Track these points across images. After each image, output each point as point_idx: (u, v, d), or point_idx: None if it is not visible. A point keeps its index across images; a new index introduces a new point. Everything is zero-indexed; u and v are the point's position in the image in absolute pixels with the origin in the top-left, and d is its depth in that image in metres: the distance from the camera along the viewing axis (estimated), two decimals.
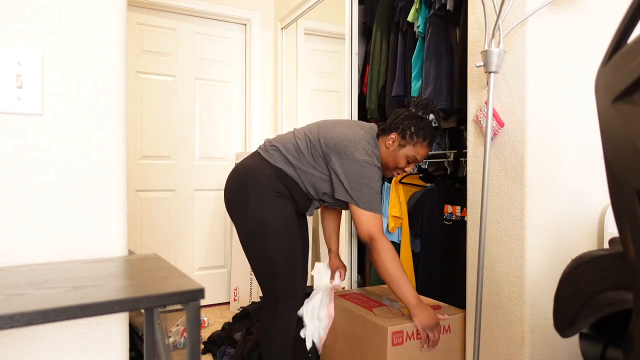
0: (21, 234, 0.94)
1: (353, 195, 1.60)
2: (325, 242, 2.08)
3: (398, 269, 1.59)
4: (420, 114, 1.66)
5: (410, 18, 2.25)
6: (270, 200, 1.63)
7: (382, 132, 1.71)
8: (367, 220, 1.61)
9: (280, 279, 1.65)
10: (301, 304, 1.79)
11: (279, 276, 1.64)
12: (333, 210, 2.05)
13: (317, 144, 1.68)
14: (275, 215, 1.63)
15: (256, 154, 1.75)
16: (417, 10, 2.21)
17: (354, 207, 1.62)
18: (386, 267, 1.59)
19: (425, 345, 1.62)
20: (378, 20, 2.51)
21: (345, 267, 2.06)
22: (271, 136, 3.55)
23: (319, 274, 2.12)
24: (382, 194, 1.65)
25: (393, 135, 1.67)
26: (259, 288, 3.09)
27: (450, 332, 1.70)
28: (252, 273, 2.87)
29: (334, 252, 2.06)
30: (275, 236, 1.62)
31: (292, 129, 1.82)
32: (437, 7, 2.08)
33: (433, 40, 2.12)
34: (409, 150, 1.67)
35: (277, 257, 1.63)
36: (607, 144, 0.67)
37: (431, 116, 1.67)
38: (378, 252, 1.60)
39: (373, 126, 1.75)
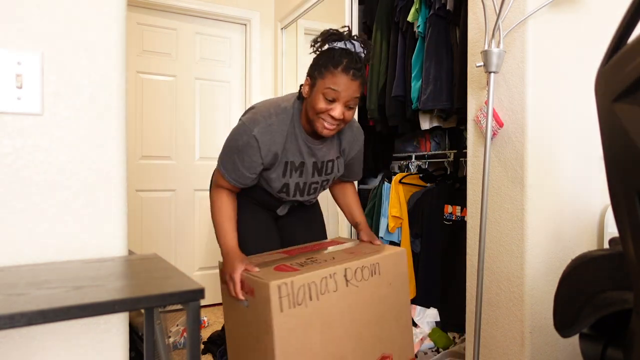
0: (21, 234, 0.94)
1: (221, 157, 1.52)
2: (347, 218, 1.82)
3: (217, 217, 1.48)
4: (324, 47, 1.40)
5: (410, 18, 2.25)
6: (241, 206, 1.60)
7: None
8: (218, 177, 1.51)
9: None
10: None
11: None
12: (340, 184, 1.81)
13: None
14: (242, 218, 1.58)
15: None
16: (417, 10, 2.21)
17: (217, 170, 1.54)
18: (212, 216, 1.51)
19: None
20: (378, 20, 2.51)
21: (379, 240, 1.73)
22: None
23: None
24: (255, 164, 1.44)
25: (306, 81, 1.43)
26: None
27: (253, 296, 1.28)
28: None
29: (361, 226, 1.73)
30: (241, 225, 1.56)
31: None
32: (437, 7, 2.08)
33: (433, 40, 2.12)
34: (320, 85, 1.36)
35: (244, 240, 1.56)
36: (607, 144, 0.67)
37: (338, 44, 1.38)
38: (211, 202, 1.52)
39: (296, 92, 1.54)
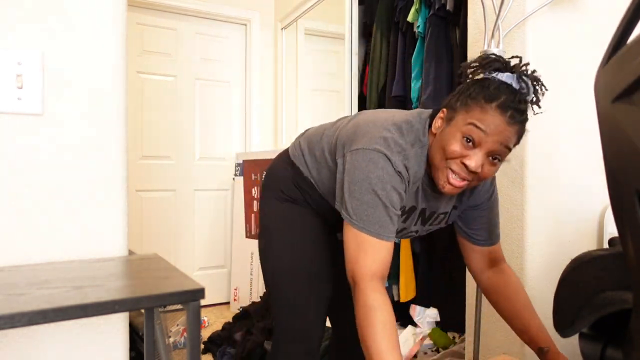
0: (21, 234, 0.94)
1: (345, 202, 1.00)
2: (524, 338, 1.20)
3: (377, 344, 0.90)
4: (483, 75, 0.99)
5: (410, 18, 2.25)
6: (276, 204, 1.24)
7: (434, 116, 1.06)
8: (355, 245, 0.98)
9: (284, 309, 1.17)
10: (317, 349, 1.18)
11: (283, 305, 1.17)
12: (496, 270, 1.22)
13: (338, 135, 1.13)
14: (279, 221, 1.22)
15: (287, 148, 1.32)
16: (417, 11, 2.21)
17: (345, 224, 1.02)
18: (366, 338, 0.92)
19: None
20: (378, 20, 2.51)
21: None
22: (270, 137, 3.55)
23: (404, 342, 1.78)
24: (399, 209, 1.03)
25: (442, 113, 1.03)
26: (259, 288, 3.09)
27: None
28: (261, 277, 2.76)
29: (552, 354, 1.15)
30: (277, 249, 1.19)
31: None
32: (437, 7, 2.08)
33: (433, 40, 2.12)
34: (460, 121, 0.97)
35: (280, 279, 1.18)
36: (607, 144, 0.67)
37: (505, 75, 0.97)
38: (359, 306, 0.95)
39: (428, 111, 1.10)
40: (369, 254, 0.97)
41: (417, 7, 2.21)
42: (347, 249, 1.00)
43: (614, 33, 0.65)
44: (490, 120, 0.94)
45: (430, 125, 1.05)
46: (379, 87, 2.48)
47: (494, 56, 1.00)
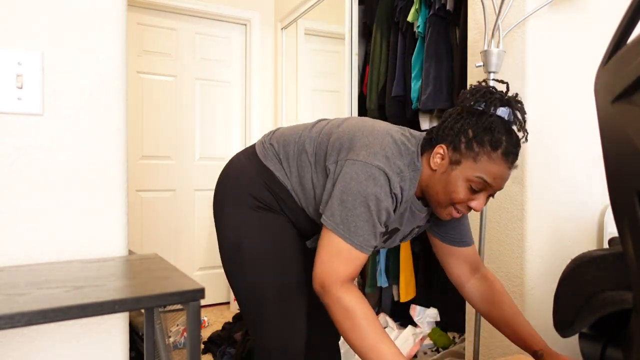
0: (21, 234, 0.94)
1: (333, 208, 1.00)
2: (518, 343, 1.18)
3: (364, 339, 0.95)
4: (481, 107, 1.01)
5: (410, 18, 2.25)
6: (247, 213, 1.13)
7: (427, 144, 1.07)
8: (333, 252, 0.99)
9: (265, 325, 1.11)
10: None
11: (264, 321, 1.11)
12: (490, 287, 1.22)
13: (327, 140, 1.10)
14: (255, 234, 1.12)
15: (251, 147, 1.24)
16: (417, 11, 2.21)
17: (325, 229, 1.02)
18: (346, 336, 0.97)
19: None
20: (378, 20, 2.51)
21: None
22: None
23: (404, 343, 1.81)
24: (385, 228, 1.06)
25: (441, 149, 1.03)
26: None
27: None
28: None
29: (547, 355, 1.12)
30: (254, 263, 1.11)
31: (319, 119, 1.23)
32: (437, 7, 2.08)
33: (433, 40, 2.12)
34: (468, 169, 1.00)
35: (261, 293, 1.10)
36: (606, 144, 0.67)
37: (501, 110, 1.00)
38: (331, 310, 0.99)
39: (421, 135, 1.12)
40: (344, 262, 0.99)
41: (417, 7, 2.21)
42: (320, 254, 1.00)
43: (614, 33, 0.65)
44: (496, 171, 0.99)
45: (421, 149, 1.08)
46: (379, 87, 2.48)
47: (492, 89, 1.02)
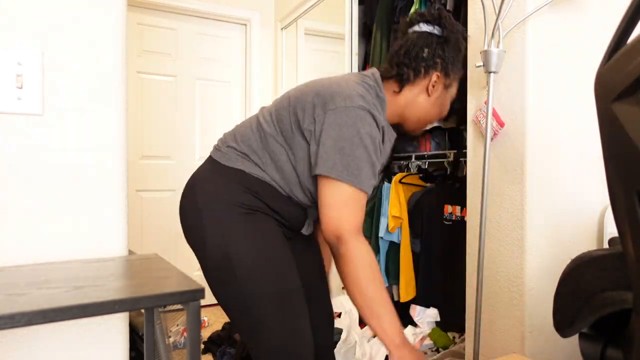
0: (21, 234, 0.94)
1: (333, 160, 0.99)
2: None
3: (377, 290, 0.98)
4: (436, 32, 1.13)
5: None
6: (230, 222, 1.06)
7: (400, 77, 1.13)
8: (342, 201, 0.99)
9: (265, 339, 1.05)
10: None
11: (265, 331, 1.04)
12: None
13: (287, 110, 1.09)
14: (243, 242, 1.05)
15: (208, 158, 1.18)
16: (417, 11, 2.21)
17: (322, 180, 1.02)
18: (360, 285, 0.98)
19: None
20: (378, 20, 2.51)
21: None
22: None
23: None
24: (379, 175, 1.11)
25: (435, 76, 1.13)
26: None
27: None
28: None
29: None
30: (247, 273, 1.03)
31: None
32: (436, 7, 2.08)
33: None
34: (454, 89, 1.20)
35: (260, 302, 1.04)
36: (606, 144, 0.67)
37: (452, 29, 1.15)
38: (347, 259, 0.99)
39: (371, 70, 1.19)
40: (352, 208, 1.01)
41: (417, 6, 2.21)
42: (329, 207, 1.00)
43: (614, 33, 0.65)
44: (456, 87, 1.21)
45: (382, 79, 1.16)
46: None
47: (425, 13, 1.16)
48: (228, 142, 1.15)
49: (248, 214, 1.07)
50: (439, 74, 1.14)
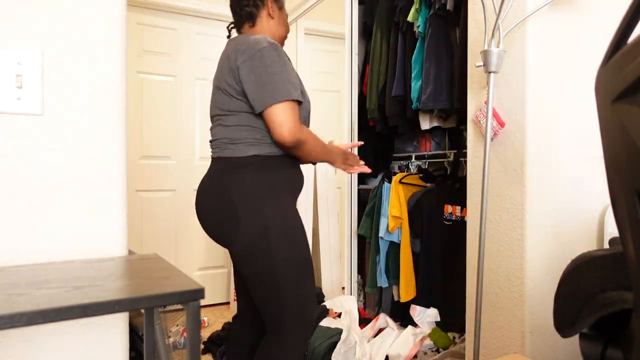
0: (21, 234, 0.94)
1: (272, 90, 1.25)
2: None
3: (318, 144, 1.36)
4: None
5: (410, 18, 2.25)
6: (285, 201, 1.35)
7: (250, 16, 1.45)
8: (290, 115, 1.25)
9: (285, 298, 1.30)
10: (311, 333, 1.43)
11: (286, 293, 1.30)
12: None
13: (219, 83, 1.36)
14: (280, 222, 1.30)
15: (212, 165, 1.41)
16: (417, 10, 2.21)
17: (270, 110, 1.25)
18: (316, 152, 1.35)
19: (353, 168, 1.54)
20: (378, 20, 2.51)
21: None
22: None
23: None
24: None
25: (269, 3, 1.46)
26: None
27: None
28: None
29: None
30: (279, 245, 1.29)
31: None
32: (437, 7, 2.08)
33: (433, 40, 2.12)
34: (284, 9, 1.53)
35: (282, 272, 1.29)
36: (607, 143, 0.67)
37: None
38: (307, 144, 1.31)
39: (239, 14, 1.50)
40: (296, 116, 1.29)
41: (417, 6, 2.21)
42: (284, 124, 1.25)
43: (614, 33, 0.65)
44: None
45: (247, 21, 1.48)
46: (379, 87, 2.48)
47: None
48: (216, 144, 1.41)
49: (279, 198, 1.33)
50: (271, 0, 1.46)
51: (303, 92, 1.39)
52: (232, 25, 1.56)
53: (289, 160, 1.38)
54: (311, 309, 1.37)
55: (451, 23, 2.09)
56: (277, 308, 1.30)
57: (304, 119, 1.42)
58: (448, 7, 2.04)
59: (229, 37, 1.54)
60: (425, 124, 2.33)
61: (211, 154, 1.42)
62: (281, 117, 1.25)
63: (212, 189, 1.34)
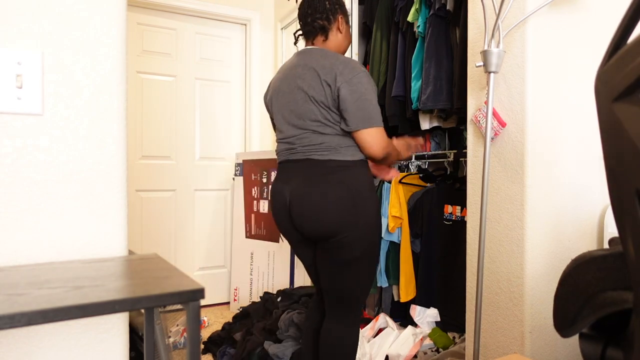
0: (21, 234, 0.94)
1: (373, 114, 1.45)
2: None
3: (394, 152, 1.56)
4: None
5: (410, 18, 2.25)
6: (367, 203, 1.51)
7: (323, 29, 1.57)
8: (380, 137, 1.46)
9: (370, 277, 1.56)
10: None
11: (369, 273, 1.54)
12: None
13: (321, 91, 1.47)
14: (374, 214, 1.53)
15: (304, 163, 1.52)
16: (417, 11, 2.21)
17: (363, 132, 1.45)
18: (395, 158, 1.58)
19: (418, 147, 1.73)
20: (378, 20, 2.51)
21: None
22: (270, 137, 3.55)
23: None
24: None
25: (340, 17, 1.59)
26: (259, 288, 3.09)
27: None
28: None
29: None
30: (375, 230, 1.54)
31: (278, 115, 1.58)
32: (437, 7, 2.08)
33: (433, 40, 2.12)
34: (348, 18, 1.66)
35: (374, 254, 1.55)
36: (607, 143, 0.67)
37: None
38: (390, 156, 1.53)
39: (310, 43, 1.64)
40: (384, 135, 1.49)
41: (417, 7, 2.21)
42: (374, 144, 1.45)
43: (614, 33, 0.65)
44: None
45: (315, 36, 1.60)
46: (378, 87, 2.48)
47: None
48: (293, 151, 1.58)
49: (366, 196, 1.51)
50: (342, 15, 1.59)
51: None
52: (299, 33, 1.63)
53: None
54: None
55: (451, 23, 2.09)
56: (358, 290, 1.53)
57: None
58: (448, 7, 2.04)
59: (295, 43, 1.68)
60: (425, 123, 2.33)
61: (292, 154, 1.53)
62: (372, 138, 1.45)
63: (324, 181, 1.46)
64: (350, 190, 1.45)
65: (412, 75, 2.25)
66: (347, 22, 1.61)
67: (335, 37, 1.58)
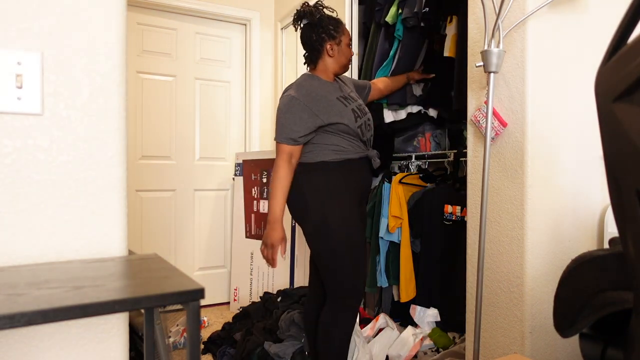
0: (21, 234, 0.94)
1: (275, 131, 1.71)
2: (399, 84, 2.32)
3: (278, 185, 1.67)
4: (315, 18, 1.77)
5: (389, 20, 2.30)
6: (332, 203, 1.71)
7: (311, 59, 1.81)
8: (277, 151, 1.69)
9: (351, 274, 1.71)
10: (360, 302, 1.83)
11: (349, 270, 1.70)
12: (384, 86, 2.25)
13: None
14: (339, 216, 1.69)
15: (300, 167, 1.76)
16: (396, 14, 2.28)
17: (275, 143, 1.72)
18: (272, 183, 1.70)
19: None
20: (374, 20, 2.52)
21: None
22: (270, 137, 3.55)
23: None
24: (306, 128, 1.68)
25: (327, 45, 1.77)
26: (259, 288, 3.09)
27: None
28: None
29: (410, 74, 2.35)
30: (336, 231, 1.68)
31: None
32: (409, 16, 2.17)
33: (405, 44, 2.26)
34: (345, 39, 1.81)
35: (344, 249, 1.69)
36: (607, 143, 0.67)
37: (321, 11, 1.80)
38: (274, 172, 1.69)
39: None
40: (282, 149, 1.72)
41: (394, 10, 2.27)
42: (276, 158, 1.70)
43: (614, 33, 0.65)
44: (348, 33, 1.85)
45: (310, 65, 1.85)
46: None
47: (305, 8, 1.78)
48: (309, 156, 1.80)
49: (337, 196, 1.73)
50: (329, 42, 1.77)
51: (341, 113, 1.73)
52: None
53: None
54: (359, 282, 1.74)
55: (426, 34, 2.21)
56: (336, 278, 1.70)
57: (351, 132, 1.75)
58: (416, 10, 2.11)
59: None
60: (389, 117, 2.44)
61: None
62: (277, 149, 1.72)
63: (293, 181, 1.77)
64: (301, 189, 1.70)
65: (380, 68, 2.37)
66: (338, 44, 1.78)
67: (323, 63, 1.80)
